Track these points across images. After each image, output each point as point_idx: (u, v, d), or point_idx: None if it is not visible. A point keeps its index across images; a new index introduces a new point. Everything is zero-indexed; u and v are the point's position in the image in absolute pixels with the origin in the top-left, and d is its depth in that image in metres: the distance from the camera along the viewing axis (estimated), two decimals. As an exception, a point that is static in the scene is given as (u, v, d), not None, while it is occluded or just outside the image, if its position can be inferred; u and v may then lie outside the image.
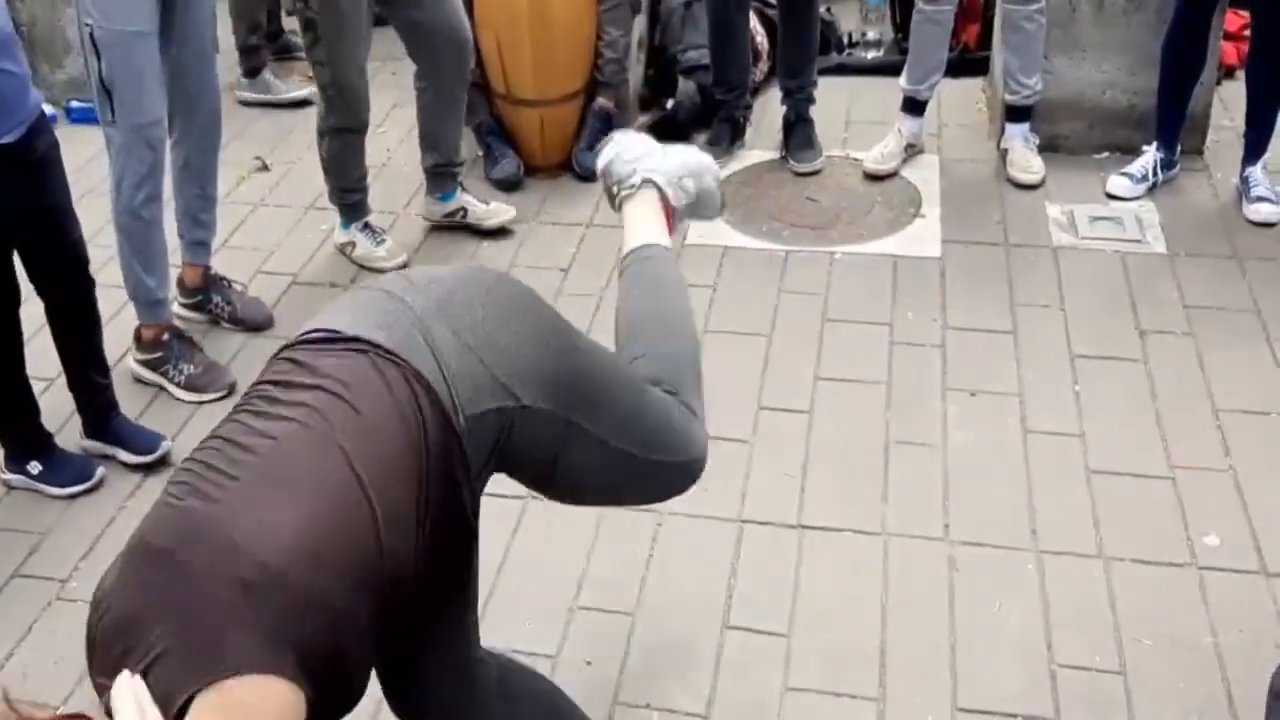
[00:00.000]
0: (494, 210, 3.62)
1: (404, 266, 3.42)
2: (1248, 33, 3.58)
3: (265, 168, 4.01)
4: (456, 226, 3.62)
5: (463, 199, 3.62)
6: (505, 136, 3.93)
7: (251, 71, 4.42)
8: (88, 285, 2.68)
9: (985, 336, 3.05)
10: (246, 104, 4.39)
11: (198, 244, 3.18)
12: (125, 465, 2.78)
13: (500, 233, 3.61)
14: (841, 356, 3.01)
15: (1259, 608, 2.28)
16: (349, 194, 3.47)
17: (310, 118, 4.16)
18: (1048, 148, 3.76)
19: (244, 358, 3.12)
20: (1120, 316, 3.09)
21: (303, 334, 1.42)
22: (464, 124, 3.60)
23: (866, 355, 3.01)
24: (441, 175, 3.58)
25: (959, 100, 4.16)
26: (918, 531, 2.49)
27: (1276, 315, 3.06)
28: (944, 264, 3.34)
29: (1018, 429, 2.74)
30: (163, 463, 2.77)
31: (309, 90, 4.32)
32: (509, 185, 3.84)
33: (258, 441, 1.28)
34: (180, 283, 3.22)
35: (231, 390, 2.98)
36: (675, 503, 2.57)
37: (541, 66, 3.81)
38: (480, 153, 3.96)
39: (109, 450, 2.79)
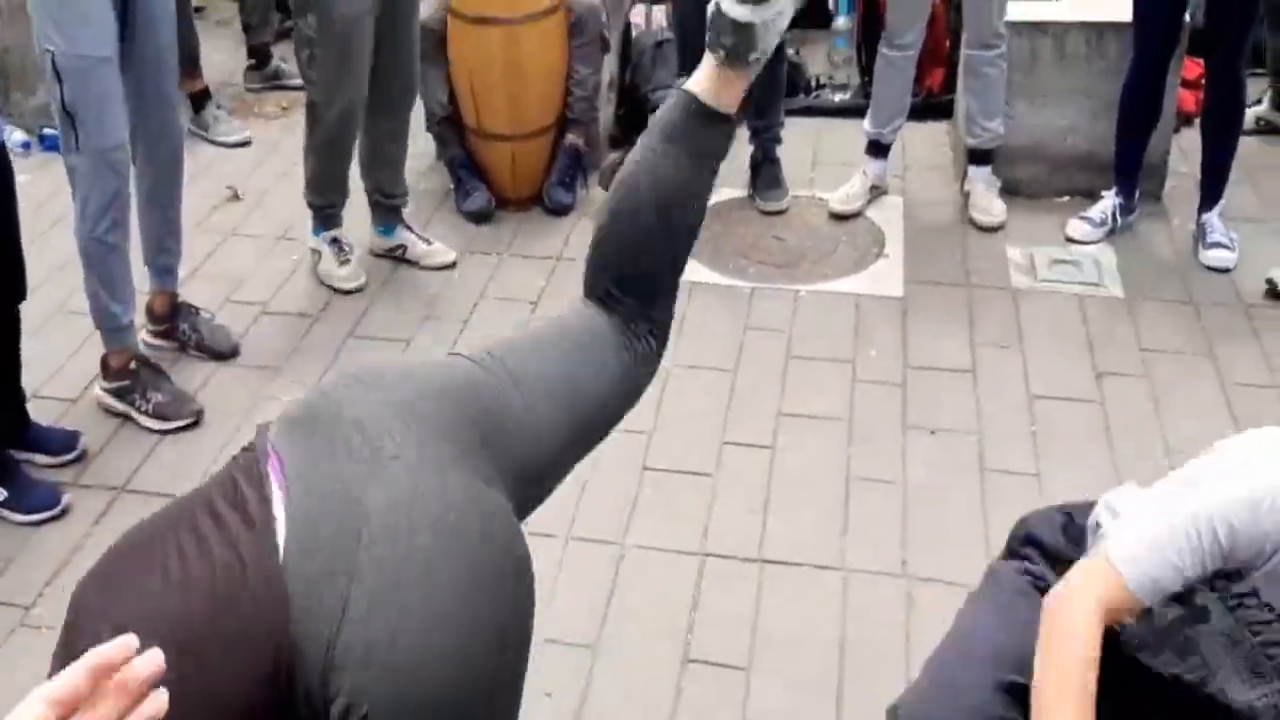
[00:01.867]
0: (434, 250, 3.65)
1: (361, 289, 3.46)
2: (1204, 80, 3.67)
3: (237, 197, 4.03)
4: (443, 267, 3.65)
5: (403, 236, 3.66)
6: (476, 170, 3.97)
7: (196, 105, 4.41)
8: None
9: (945, 375, 3.10)
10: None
11: (164, 270, 3.19)
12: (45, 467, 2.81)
13: (470, 266, 3.64)
14: (804, 393, 3.06)
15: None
16: (324, 207, 3.52)
17: (284, 149, 4.22)
18: (1009, 191, 3.84)
19: (212, 386, 3.13)
20: (1077, 358, 3.15)
21: (271, 437, 1.34)
22: (403, 163, 3.65)
23: (829, 392, 3.06)
24: (382, 207, 3.63)
25: (923, 143, 4.24)
26: (876, 567, 2.53)
27: (1230, 359, 3.13)
28: (906, 303, 3.40)
29: (975, 467, 2.79)
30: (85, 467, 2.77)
31: (245, 135, 4.37)
32: (480, 218, 3.88)
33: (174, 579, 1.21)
34: (149, 310, 3.23)
35: (198, 419, 2.98)
36: (637, 535, 2.63)
37: (513, 102, 3.86)
38: (452, 186, 4.00)
39: (25, 456, 2.81)
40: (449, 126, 3.94)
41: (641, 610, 2.44)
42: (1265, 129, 4.17)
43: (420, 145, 4.01)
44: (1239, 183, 3.74)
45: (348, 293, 3.48)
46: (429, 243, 3.68)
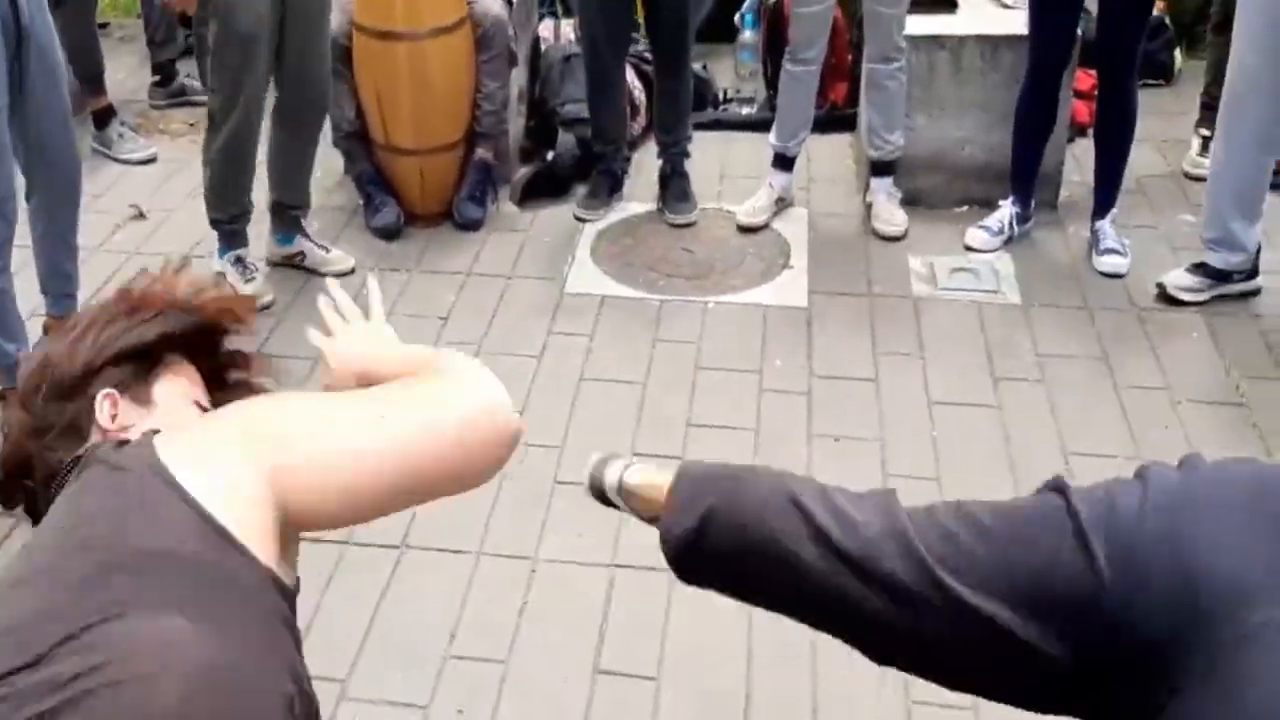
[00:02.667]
0: (333, 258, 3.67)
1: (268, 306, 3.44)
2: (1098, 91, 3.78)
3: (142, 216, 3.98)
4: (342, 274, 3.64)
5: (302, 244, 3.67)
6: (385, 186, 3.96)
7: (100, 122, 4.36)
8: None
9: (849, 384, 3.17)
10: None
11: (63, 296, 3.15)
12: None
13: (382, 281, 3.63)
14: (713, 403, 3.10)
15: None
16: (228, 223, 3.50)
17: (191, 166, 4.17)
18: (910, 201, 3.93)
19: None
20: (977, 364, 3.24)
21: None
22: (310, 173, 3.65)
23: (737, 402, 3.11)
24: (282, 216, 3.63)
25: (828, 155, 4.32)
26: (783, 575, 2.57)
27: (1123, 363, 3.24)
28: (811, 313, 3.46)
29: (878, 473, 2.85)
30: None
31: (150, 152, 4.32)
32: (389, 234, 3.87)
33: None
34: (46, 333, 3.18)
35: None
36: (549, 550, 2.65)
37: (421, 117, 3.86)
38: (361, 202, 3.99)
39: None
40: (356, 141, 3.94)
41: (553, 624, 2.46)
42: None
43: (328, 160, 4.00)
44: (1130, 191, 3.87)
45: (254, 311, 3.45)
46: (327, 250, 3.69)
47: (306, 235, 3.68)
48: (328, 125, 3.76)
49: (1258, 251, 3.45)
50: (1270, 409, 3.04)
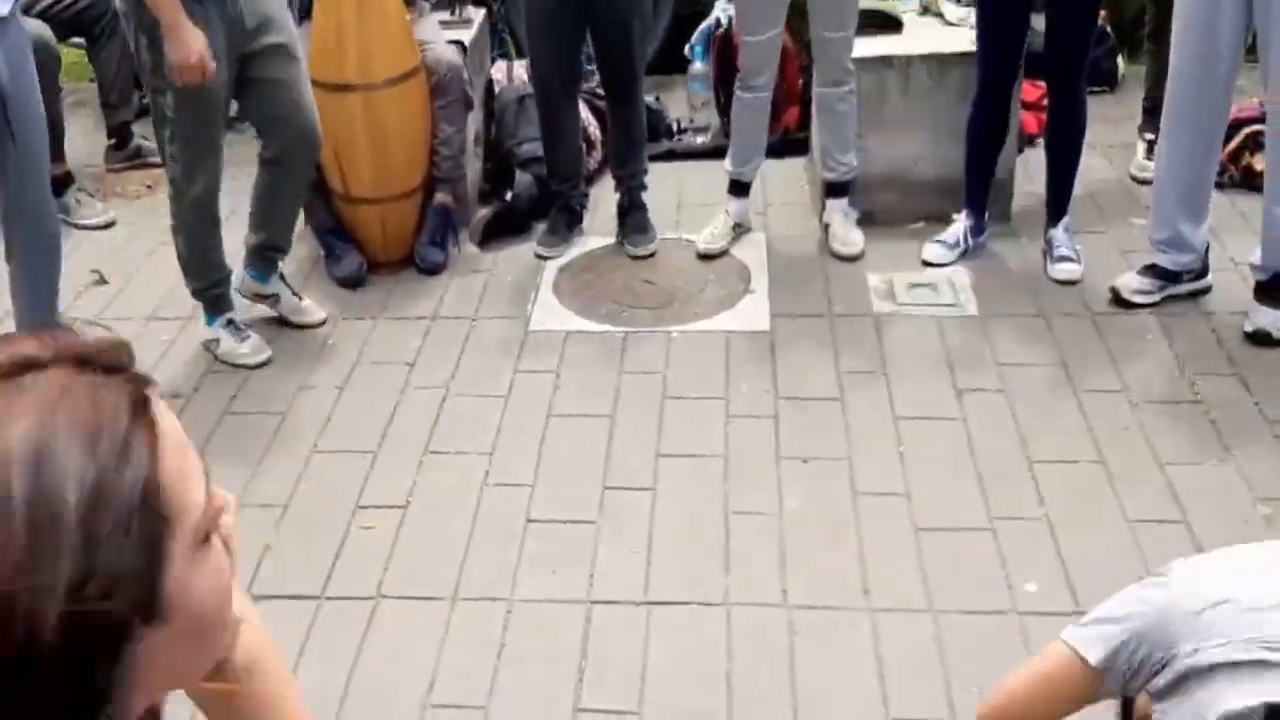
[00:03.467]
0: (307, 308, 3.69)
1: (268, 362, 3.45)
2: (1045, 102, 3.85)
3: (103, 280, 3.99)
4: (314, 325, 3.68)
5: (278, 286, 3.67)
6: (346, 235, 3.99)
7: (58, 190, 4.35)
8: None
9: (815, 404, 3.20)
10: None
11: None
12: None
13: (345, 332, 3.66)
14: (681, 432, 3.13)
15: (1073, 646, 2.43)
16: (210, 289, 3.50)
17: (149, 227, 4.20)
18: (866, 220, 3.98)
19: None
20: (939, 378, 3.28)
21: None
22: (297, 216, 3.67)
23: (704, 430, 3.14)
24: (263, 255, 3.64)
25: (783, 179, 4.37)
26: (758, 599, 2.60)
27: (1080, 368, 3.29)
28: (773, 337, 3.50)
29: (848, 492, 2.88)
30: None
31: (108, 216, 4.34)
32: (352, 283, 3.89)
33: None
34: None
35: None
36: (525, 589, 2.67)
37: (379, 166, 3.89)
38: (322, 253, 4.01)
39: None
40: (315, 193, 3.95)
41: (531, 664, 2.47)
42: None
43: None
44: (1080, 197, 3.93)
45: (254, 367, 3.47)
46: (301, 299, 3.70)
47: (283, 280, 3.69)
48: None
49: (1206, 250, 3.51)
50: (1225, 405, 3.09)
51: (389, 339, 3.62)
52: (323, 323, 3.67)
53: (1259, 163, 3.89)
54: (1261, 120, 3.78)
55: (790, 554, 2.71)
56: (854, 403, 3.20)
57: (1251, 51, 3.30)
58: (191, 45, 3.01)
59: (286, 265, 3.82)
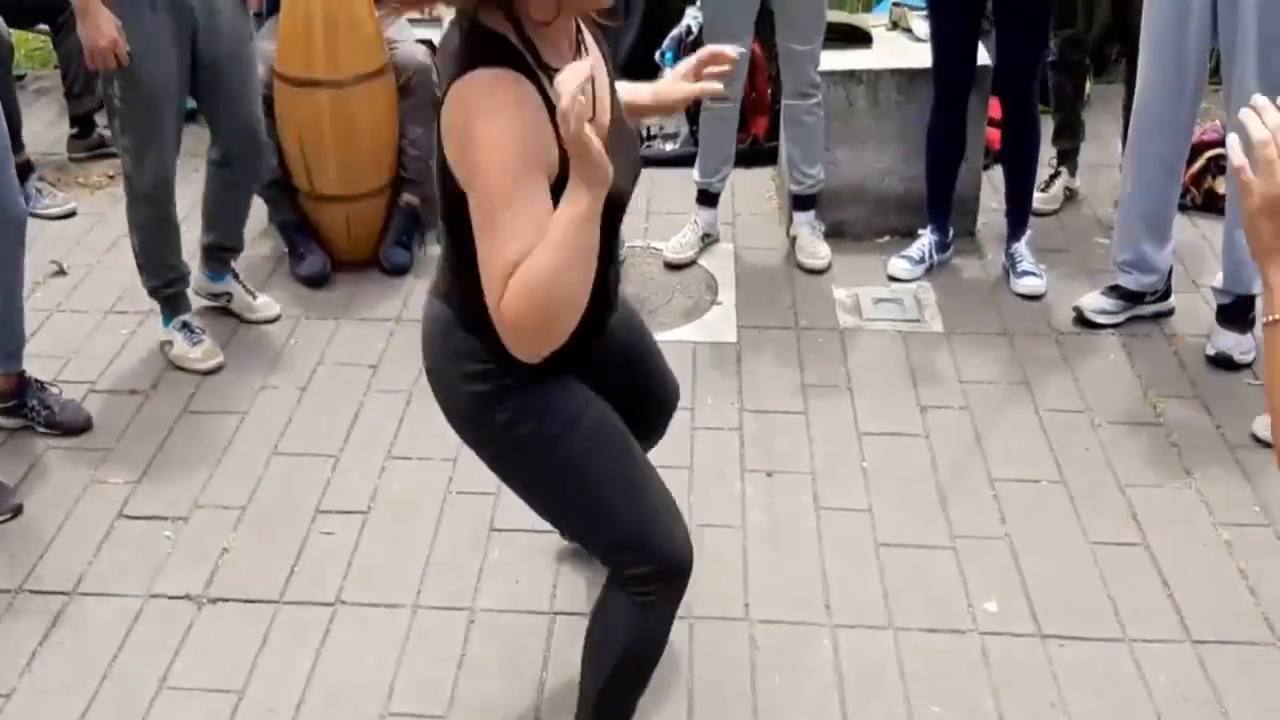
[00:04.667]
0: (260, 304, 3.66)
1: (219, 369, 3.41)
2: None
3: (62, 272, 3.92)
4: (267, 321, 3.65)
5: (231, 285, 3.65)
6: (310, 233, 3.95)
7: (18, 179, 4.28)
8: None
9: (779, 418, 3.21)
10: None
11: (8, 355, 3.11)
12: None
13: (308, 331, 3.62)
14: (646, 443, 3.12)
15: (1036, 669, 2.45)
16: (165, 288, 3.45)
17: (111, 219, 4.13)
18: (833, 234, 4.00)
19: (38, 470, 3.04)
20: (903, 393, 3.30)
21: None
22: (246, 217, 3.63)
23: (670, 440, 3.07)
24: (216, 255, 3.61)
25: (751, 190, 4.38)
26: (720, 613, 2.59)
27: (1043, 387, 3.31)
28: (740, 348, 3.50)
29: (811, 507, 2.89)
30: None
31: (69, 207, 4.28)
32: (316, 282, 3.85)
33: None
34: None
35: (16, 513, 2.89)
36: (487, 598, 2.65)
37: (345, 164, 3.86)
38: (286, 250, 3.97)
39: None
40: (279, 190, 3.92)
41: (493, 675, 2.46)
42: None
43: (252, 209, 3.95)
44: (1043, 216, 3.97)
45: (204, 373, 3.42)
46: (254, 296, 3.67)
47: (236, 277, 3.66)
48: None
49: (1169, 272, 3.55)
50: (1187, 427, 3.12)
51: (352, 340, 3.59)
52: (277, 318, 3.64)
53: (1221, 186, 3.97)
54: (1223, 144, 3.85)
55: (753, 568, 2.71)
56: (818, 417, 3.21)
57: (1215, 74, 3.34)
58: (102, 28, 2.98)
59: (248, 262, 3.78)
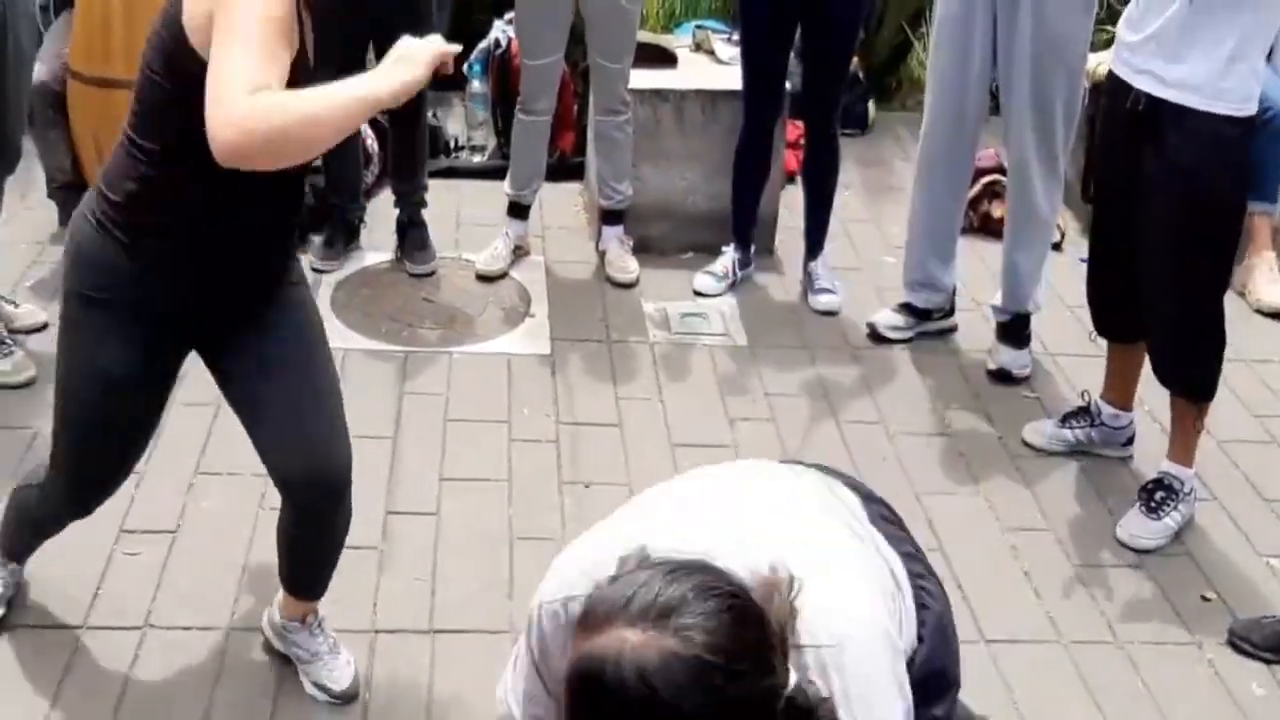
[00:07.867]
0: (22, 313, 3.49)
1: (31, 382, 3.21)
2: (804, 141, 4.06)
3: None
4: (30, 330, 3.44)
5: None
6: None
7: None
8: None
9: (595, 430, 3.27)
10: None
11: None
12: None
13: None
14: (464, 456, 3.13)
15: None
16: None
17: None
18: (641, 248, 4.09)
19: None
20: (712, 406, 3.41)
21: None
22: None
23: (488, 453, 3.15)
24: None
25: (560, 204, 4.43)
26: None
27: (842, 399, 3.49)
28: (554, 361, 3.55)
29: (629, 518, 2.96)
30: None
31: None
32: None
33: None
34: None
35: None
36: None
37: (142, 168, 3.70)
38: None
39: None
40: (73, 192, 3.72)
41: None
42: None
43: (42, 214, 3.77)
44: (837, 236, 4.18)
45: (14, 387, 3.21)
46: (15, 305, 3.48)
47: None
48: (39, 178, 3.55)
49: (953, 291, 3.79)
50: (972, 437, 3.35)
51: (152, 351, 3.44)
52: (44, 326, 3.44)
53: (997, 210, 4.26)
54: (999, 170, 4.15)
55: (574, 579, 2.76)
56: (632, 428, 3.29)
57: (995, 103, 3.59)
58: None
59: (41, 268, 3.59)
